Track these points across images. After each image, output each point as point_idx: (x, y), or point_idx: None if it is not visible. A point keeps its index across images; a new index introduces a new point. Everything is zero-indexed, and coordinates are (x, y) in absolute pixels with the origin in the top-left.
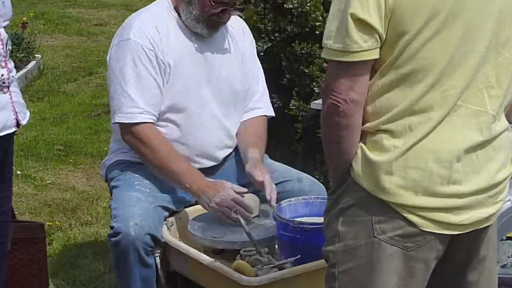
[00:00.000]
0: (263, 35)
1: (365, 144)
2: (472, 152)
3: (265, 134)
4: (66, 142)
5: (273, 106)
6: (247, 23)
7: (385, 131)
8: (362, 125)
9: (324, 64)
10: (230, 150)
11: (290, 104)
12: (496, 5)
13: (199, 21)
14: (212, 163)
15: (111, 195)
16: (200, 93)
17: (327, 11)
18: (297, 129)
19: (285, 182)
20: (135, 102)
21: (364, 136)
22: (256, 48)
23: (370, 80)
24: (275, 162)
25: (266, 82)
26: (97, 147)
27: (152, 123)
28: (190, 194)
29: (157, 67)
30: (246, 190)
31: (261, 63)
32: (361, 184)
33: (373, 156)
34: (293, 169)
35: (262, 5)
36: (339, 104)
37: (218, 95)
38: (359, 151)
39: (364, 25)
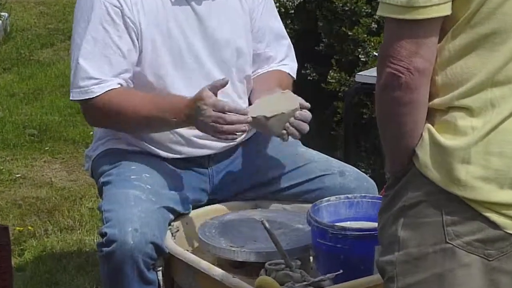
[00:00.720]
0: None
1: (433, 125)
2: None
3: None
4: (40, 124)
5: (306, 79)
6: None
7: (460, 108)
8: (429, 101)
9: (373, 25)
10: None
11: (329, 76)
12: None
13: None
14: (216, 149)
15: (101, 193)
16: (191, 55)
17: None
18: (337, 108)
19: (324, 177)
20: (87, 73)
21: (431, 115)
22: (284, 3)
23: (438, 43)
24: (309, 149)
25: (297, 48)
26: (81, 132)
27: (115, 89)
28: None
29: (122, 28)
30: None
31: (291, 22)
32: (428, 176)
33: (445, 140)
34: (333, 159)
35: None
36: (400, 74)
37: (217, 57)
38: (425, 134)
39: None
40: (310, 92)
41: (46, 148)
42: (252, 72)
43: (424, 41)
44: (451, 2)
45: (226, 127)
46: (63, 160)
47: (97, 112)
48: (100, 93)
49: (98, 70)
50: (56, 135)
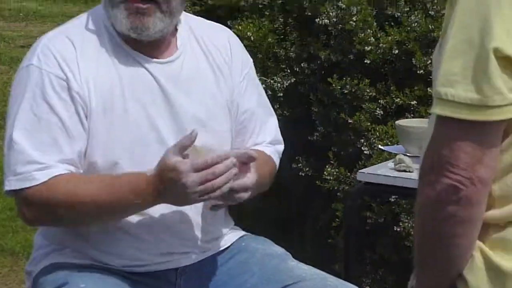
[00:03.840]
0: (283, 66)
1: (484, 243)
2: None
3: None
4: None
5: (298, 175)
6: (257, 46)
7: None
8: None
9: (378, 111)
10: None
11: (325, 173)
12: None
13: (119, 13)
14: (187, 260)
15: None
16: (154, 138)
17: (383, 28)
18: (336, 211)
19: None
20: (27, 156)
21: (484, 230)
22: (272, 85)
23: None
24: (300, 263)
25: (287, 138)
26: (21, 240)
27: (62, 175)
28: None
29: (69, 104)
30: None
31: (279, 107)
32: None
33: (502, 261)
34: (330, 276)
35: (282, 20)
36: (461, 187)
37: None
38: (477, 255)
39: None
40: (302, 191)
41: None
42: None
43: (490, 146)
44: None
45: (218, 181)
46: None
47: (39, 205)
48: (44, 180)
49: (42, 153)
50: None
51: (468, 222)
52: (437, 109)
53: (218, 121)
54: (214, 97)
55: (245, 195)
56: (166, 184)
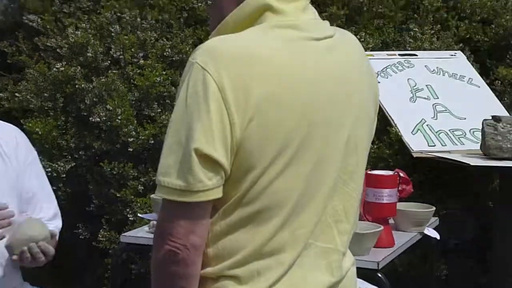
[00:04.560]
0: (65, 153)
1: None
2: None
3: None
4: None
5: (78, 238)
6: (44, 139)
7: (230, 277)
8: (202, 269)
9: (140, 187)
10: None
11: (99, 236)
12: (344, 133)
13: None
14: None
15: None
16: None
17: (141, 124)
18: (108, 265)
19: None
20: None
21: (203, 283)
22: (56, 168)
23: (211, 219)
24: None
25: (69, 209)
26: None
27: None
28: None
29: None
30: None
31: (63, 186)
32: None
33: None
34: None
35: (64, 118)
36: (178, 251)
37: None
38: None
39: (209, 161)
40: (82, 250)
41: None
42: None
43: (199, 219)
44: (222, 186)
45: None
46: None
47: None
48: None
49: None
50: None
51: (188, 278)
52: (158, 193)
53: (4, 197)
54: (3, 177)
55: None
56: None
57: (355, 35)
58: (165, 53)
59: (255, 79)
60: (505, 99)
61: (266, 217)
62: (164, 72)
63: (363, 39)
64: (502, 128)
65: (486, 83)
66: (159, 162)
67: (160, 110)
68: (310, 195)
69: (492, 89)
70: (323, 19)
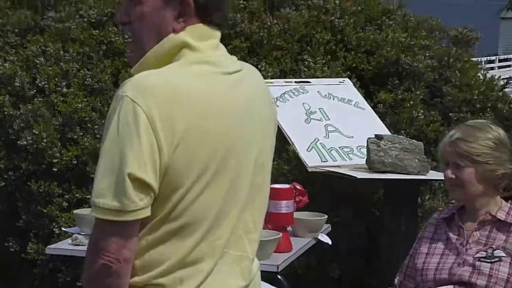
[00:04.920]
0: None
1: None
2: None
3: None
4: None
5: (9, 250)
6: None
7: (155, 285)
8: (130, 278)
9: (64, 203)
10: None
11: (28, 248)
12: (253, 154)
13: None
14: None
15: None
16: None
17: (65, 147)
18: (37, 274)
19: None
20: None
21: None
22: None
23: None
24: None
25: (0, 224)
26: None
27: None
28: None
29: None
30: None
31: None
32: None
33: None
34: None
35: None
36: (111, 264)
37: None
38: None
39: (141, 184)
40: (13, 262)
41: None
42: None
43: (130, 236)
44: (151, 205)
45: None
46: None
47: None
48: None
49: None
50: None
51: (121, 287)
52: (93, 213)
53: None
54: None
55: None
56: None
57: (257, 65)
58: (86, 82)
59: (179, 110)
60: (387, 119)
61: (188, 232)
62: (85, 99)
63: (263, 68)
64: (384, 145)
65: (370, 106)
66: (82, 181)
67: (82, 133)
68: (227, 210)
69: (376, 111)
70: (229, 52)
